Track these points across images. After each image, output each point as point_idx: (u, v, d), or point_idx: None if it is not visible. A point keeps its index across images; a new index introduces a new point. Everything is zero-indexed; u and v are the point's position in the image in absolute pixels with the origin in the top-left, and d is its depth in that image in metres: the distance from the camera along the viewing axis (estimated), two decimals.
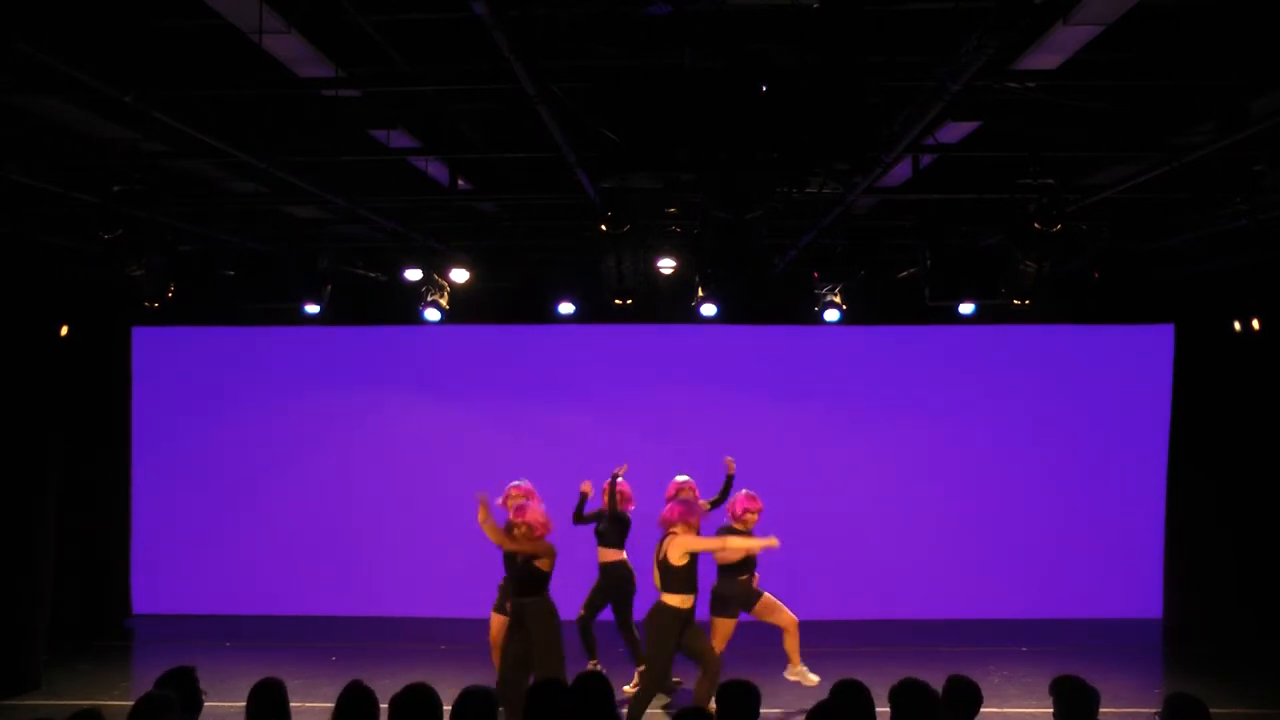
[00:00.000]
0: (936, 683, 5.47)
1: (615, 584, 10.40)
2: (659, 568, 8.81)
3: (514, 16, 5.16)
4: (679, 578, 8.72)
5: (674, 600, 8.71)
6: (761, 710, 5.28)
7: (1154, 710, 5.25)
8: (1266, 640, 11.87)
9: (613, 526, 10.40)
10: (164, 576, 13.82)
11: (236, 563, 13.74)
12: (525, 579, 8.65)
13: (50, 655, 11.03)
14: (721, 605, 9.55)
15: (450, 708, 5.04)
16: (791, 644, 9.76)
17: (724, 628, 9.52)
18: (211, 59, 6.42)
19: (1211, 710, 5.03)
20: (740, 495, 9.72)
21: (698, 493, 10.00)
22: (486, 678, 9.21)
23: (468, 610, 13.37)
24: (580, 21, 6.06)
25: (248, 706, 5.44)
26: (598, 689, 5.44)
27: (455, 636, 12.52)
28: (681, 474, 10.19)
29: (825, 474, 13.39)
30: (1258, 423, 12.34)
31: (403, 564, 13.07)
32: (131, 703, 5.07)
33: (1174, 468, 13.07)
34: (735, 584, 9.53)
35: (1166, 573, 13.17)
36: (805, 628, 10.71)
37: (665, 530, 8.99)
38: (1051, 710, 5.42)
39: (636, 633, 10.29)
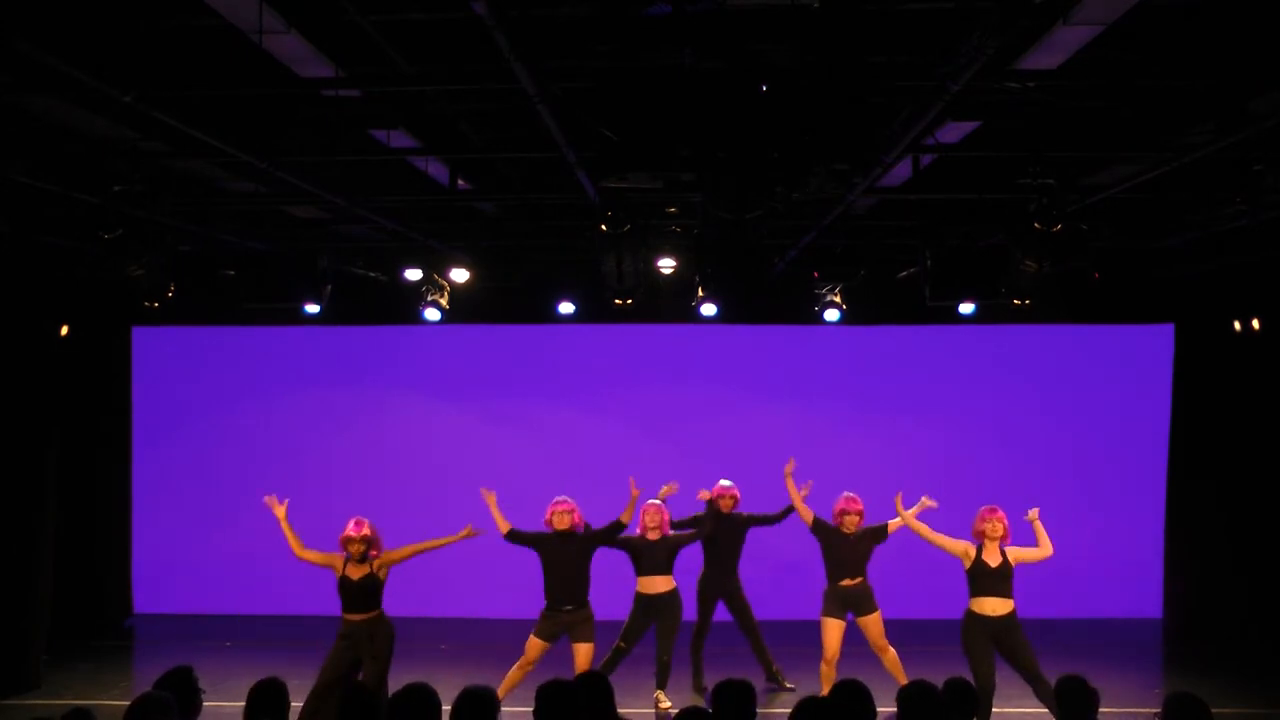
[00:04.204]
0: (935, 684, 5.45)
1: None
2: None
3: (514, 16, 5.16)
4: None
5: None
6: (759, 710, 5.27)
7: (1154, 710, 5.24)
8: (1266, 640, 11.87)
9: None
10: (164, 576, 13.81)
11: (236, 563, 13.72)
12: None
13: (50, 655, 11.00)
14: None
15: (450, 708, 5.04)
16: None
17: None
18: (211, 59, 6.41)
19: (1211, 710, 5.03)
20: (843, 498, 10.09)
21: (740, 498, 10.47)
22: (486, 678, 9.19)
23: (468, 610, 13.38)
24: (580, 21, 6.06)
25: (247, 706, 5.43)
26: (600, 689, 5.44)
27: (455, 636, 12.52)
28: (725, 479, 10.56)
29: (825, 474, 13.33)
30: (1258, 423, 12.34)
31: (402, 563, 13.03)
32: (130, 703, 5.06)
33: (1174, 467, 13.06)
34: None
35: (1166, 573, 13.16)
36: (804, 627, 10.70)
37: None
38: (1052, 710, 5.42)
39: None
